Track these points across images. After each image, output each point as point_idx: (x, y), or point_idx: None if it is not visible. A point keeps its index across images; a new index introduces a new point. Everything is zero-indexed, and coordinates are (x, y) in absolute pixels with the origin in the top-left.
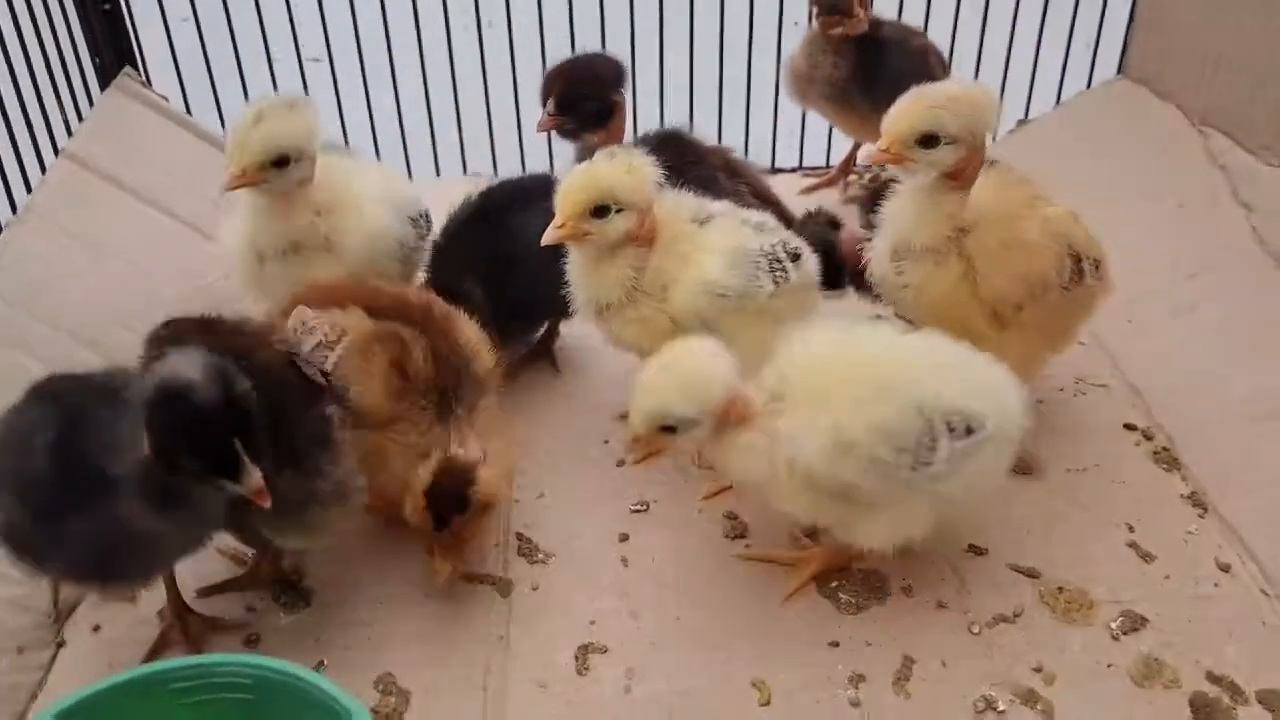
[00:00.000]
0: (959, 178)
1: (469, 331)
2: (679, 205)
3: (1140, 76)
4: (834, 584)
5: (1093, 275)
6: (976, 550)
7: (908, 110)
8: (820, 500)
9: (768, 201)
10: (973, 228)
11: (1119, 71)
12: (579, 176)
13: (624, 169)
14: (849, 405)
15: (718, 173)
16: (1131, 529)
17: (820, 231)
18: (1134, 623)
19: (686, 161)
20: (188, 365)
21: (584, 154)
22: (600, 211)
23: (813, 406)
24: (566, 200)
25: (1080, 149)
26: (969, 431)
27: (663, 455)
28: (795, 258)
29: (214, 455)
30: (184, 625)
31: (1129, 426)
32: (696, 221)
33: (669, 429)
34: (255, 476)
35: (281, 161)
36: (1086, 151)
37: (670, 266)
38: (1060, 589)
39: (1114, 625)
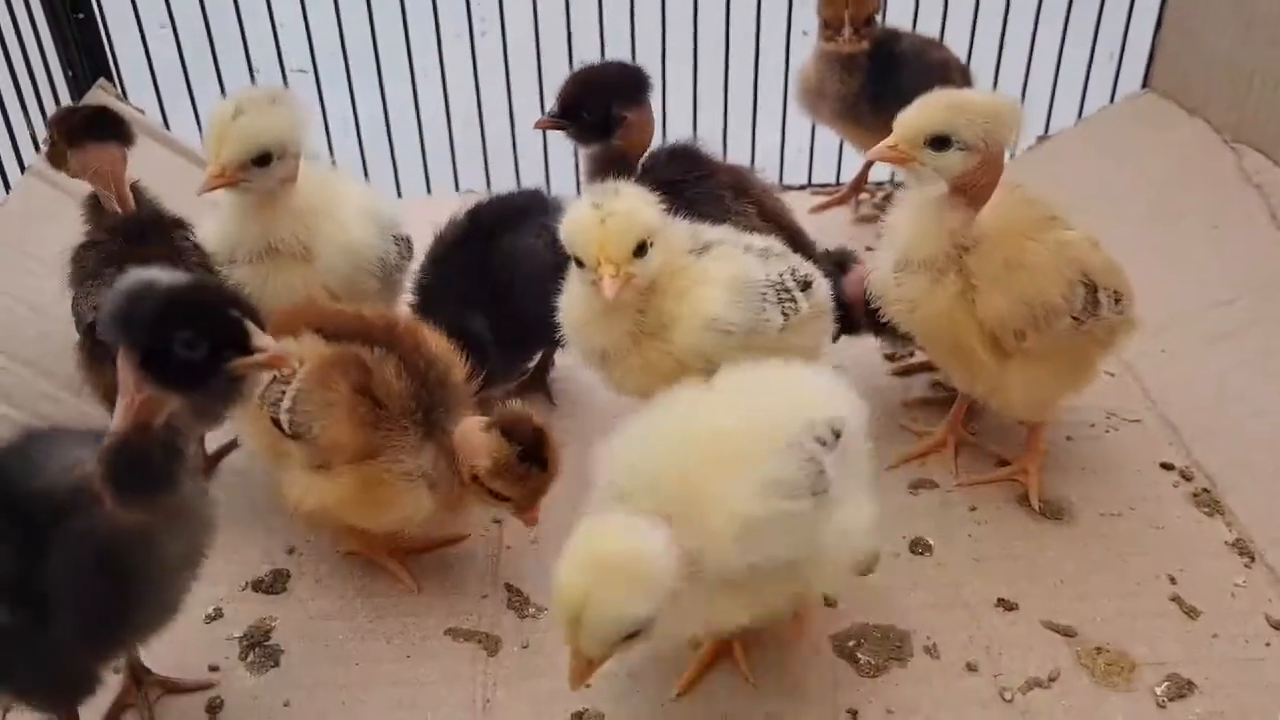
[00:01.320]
0: (969, 191)
1: (438, 342)
2: (673, 236)
3: (1167, 90)
4: (851, 643)
5: (1111, 308)
6: (1006, 605)
7: (922, 109)
8: (758, 590)
9: (779, 225)
10: (976, 244)
11: (1144, 84)
12: (615, 219)
13: (643, 200)
14: (729, 486)
15: (724, 190)
16: (1173, 580)
17: (828, 274)
18: (1181, 688)
19: (692, 177)
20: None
21: (594, 167)
22: (639, 251)
23: (692, 509)
24: (609, 246)
25: (1104, 165)
26: (837, 434)
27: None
28: (805, 286)
29: (217, 325)
30: (142, 691)
31: (1166, 466)
32: (693, 251)
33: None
34: (267, 338)
35: (263, 159)
36: (1110, 168)
37: (669, 304)
38: (1099, 649)
39: (1159, 691)
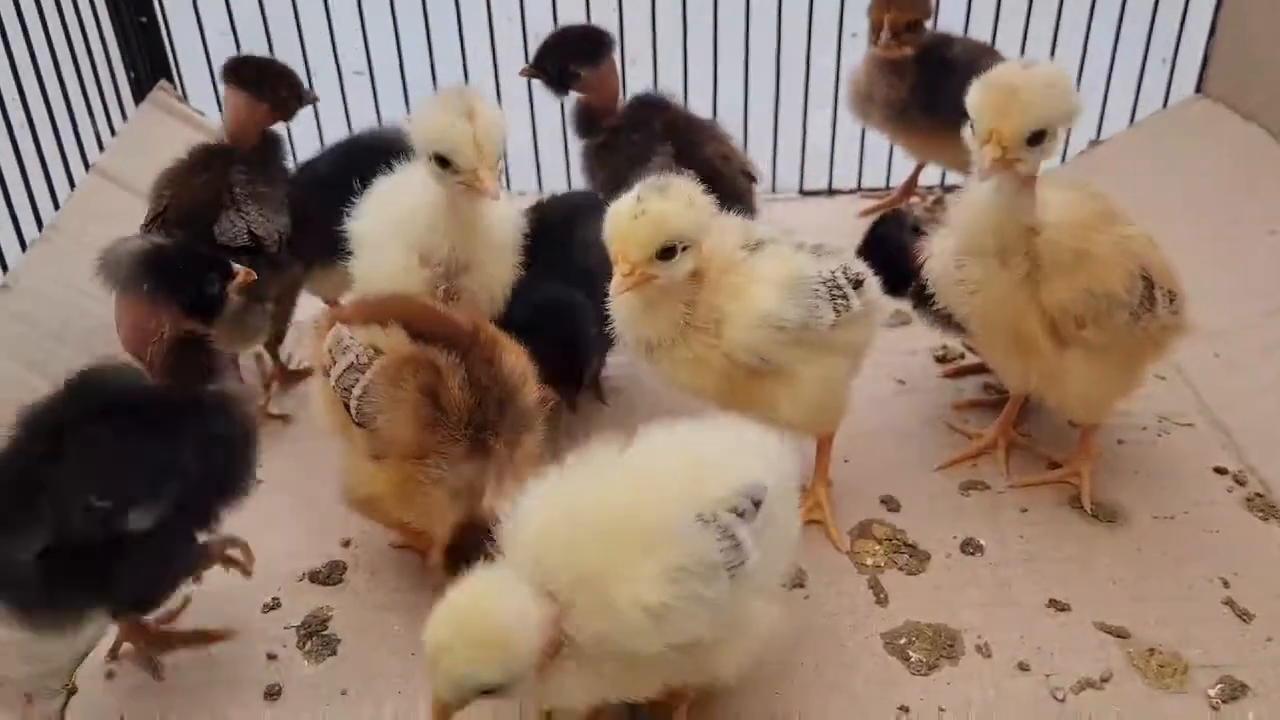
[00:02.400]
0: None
1: (516, 360)
2: (726, 231)
3: (1221, 94)
4: (903, 641)
5: (1166, 308)
6: (1059, 605)
7: (1015, 105)
8: (661, 665)
9: (696, 159)
10: (1044, 229)
11: (1198, 89)
12: (644, 219)
13: (685, 203)
14: (631, 568)
15: (656, 135)
16: (1227, 584)
17: (900, 234)
18: (1234, 690)
19: (638, 128)
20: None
21: (575, 115)
22: (667, 253)
23: (594, 590)
24: (630, 244)
25: (1156, 171)
26: (757, 504)
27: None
28: (858, 284)
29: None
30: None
31: (1219, 470)
32: (745, 248)
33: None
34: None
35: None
36: (1163, 173)
37: (721, 300)
38: (1152, 651)
39: (1212, 693)
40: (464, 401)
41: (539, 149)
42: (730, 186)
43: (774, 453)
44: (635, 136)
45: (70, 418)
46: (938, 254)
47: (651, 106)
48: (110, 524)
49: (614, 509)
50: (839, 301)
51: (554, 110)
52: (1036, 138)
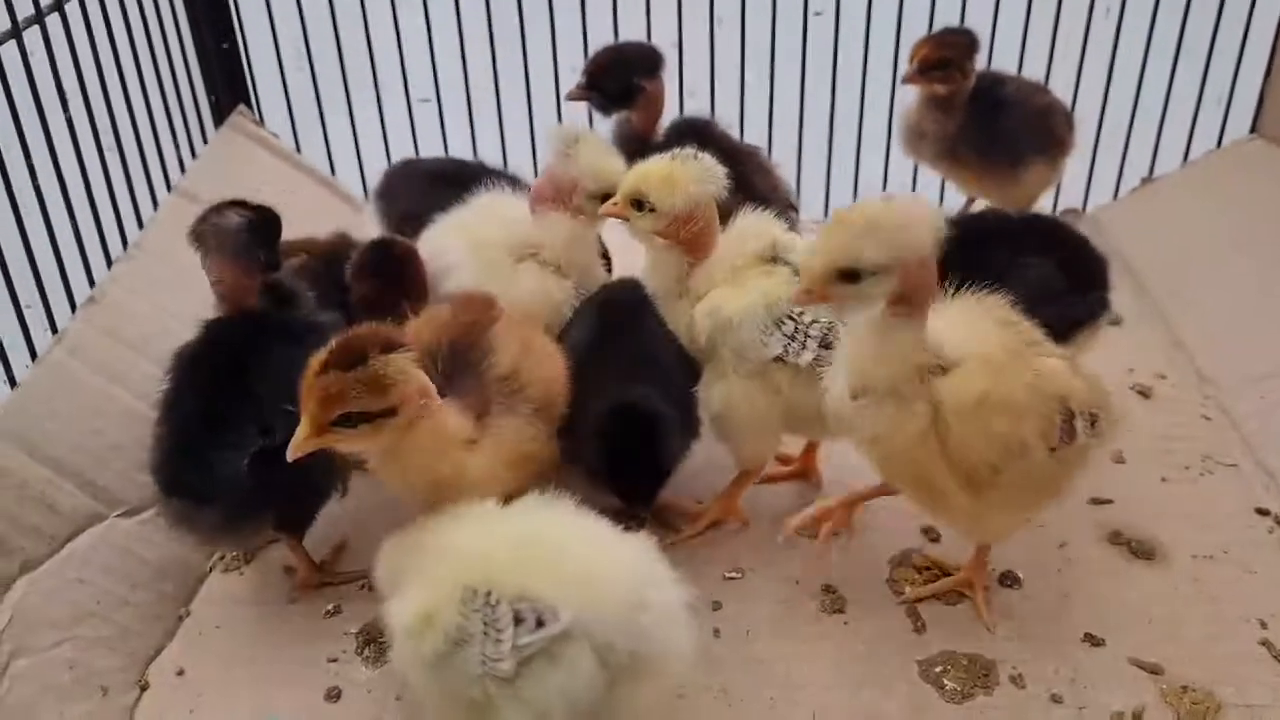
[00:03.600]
0: (907, 304)
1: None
2: (748, 237)
3: (1276, 135)
4: (938, 669)
5: (1087, 432)
6: (1094, 640)
7: (823, 243)
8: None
9: (747, 190)
10: (949, 370)
11: (1253, 130)
12: (632, 171)
13: (663, 173)
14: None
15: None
16: (1264, 625)
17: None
18: None
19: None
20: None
21: (619, 137)
22: (637, 205)
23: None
24: (621, 186)
25: (1208, 210)
26: (539, 624)
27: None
28: (825, 345)
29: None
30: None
31: (1261, 511)
32: (764, 259)
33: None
34: None
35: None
36: (1214, 213)
37: (715, 280)
38: (1185, 688)
39: None
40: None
41: None
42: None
43: (616, 603)
44: None
45: (247, 347)
46: (834, 394)
47: (694, 130)
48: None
49: (440, 541)
50: (791, 345)
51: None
52: (851, 275)
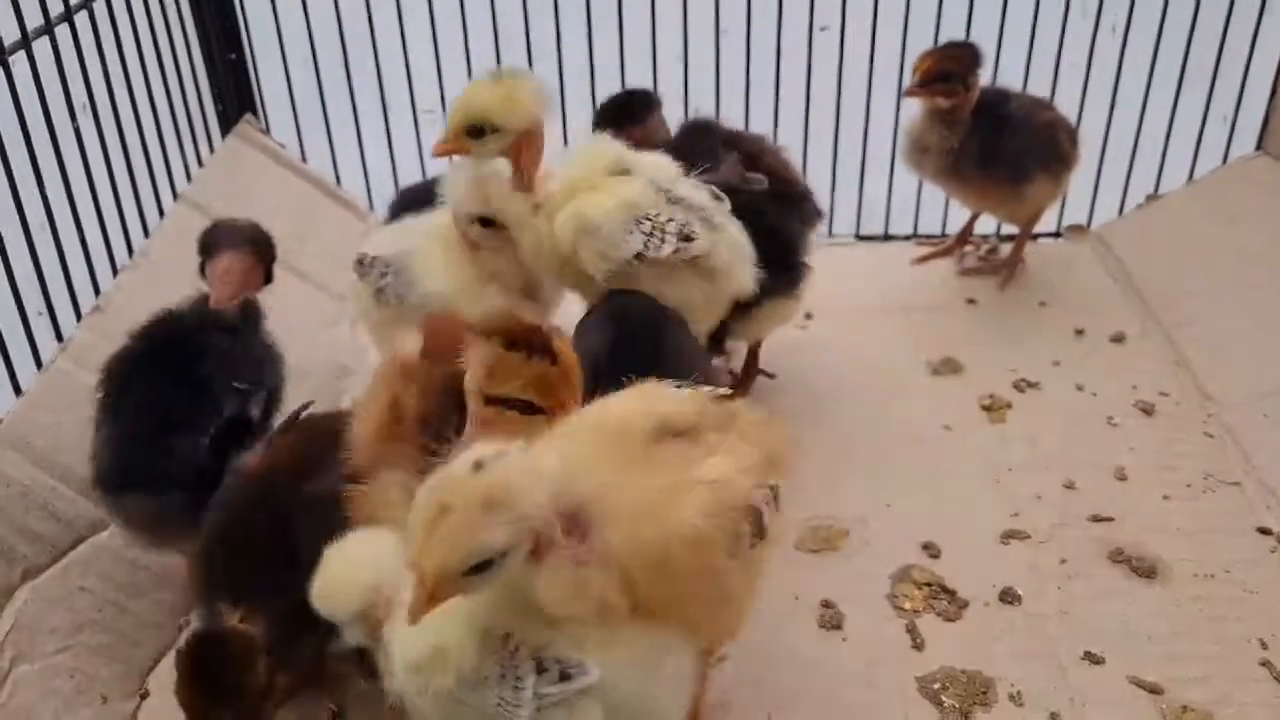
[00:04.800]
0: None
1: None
2: (596, 155)
3: None
4: (936, 685)
5: (771, 508)
6: (1093, 658)
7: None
8: None
9: (760, 167)
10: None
11: (1258, 147)
12: (461, 100)
13: (501, 93)
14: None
15: (718, 145)
16: (1265, 645)
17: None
18: None
19: (700, 139)
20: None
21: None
22: (475, 132)
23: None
24: (451, 119)
25: (1212, 228)
26: (564, 677)
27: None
28: (685, 238)
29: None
30: None
31: (1263, 530)
32: (612, 173)
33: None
34: None
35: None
36: (1220, 230)
37: (564, 198)
38: (1185, 708)
39: None
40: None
41: None
42: (797, 189)
43: (643, 661)
44: (700, 147)
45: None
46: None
47: (704, 125)
48: (245, 406)
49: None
50: (651, 241)
51: None
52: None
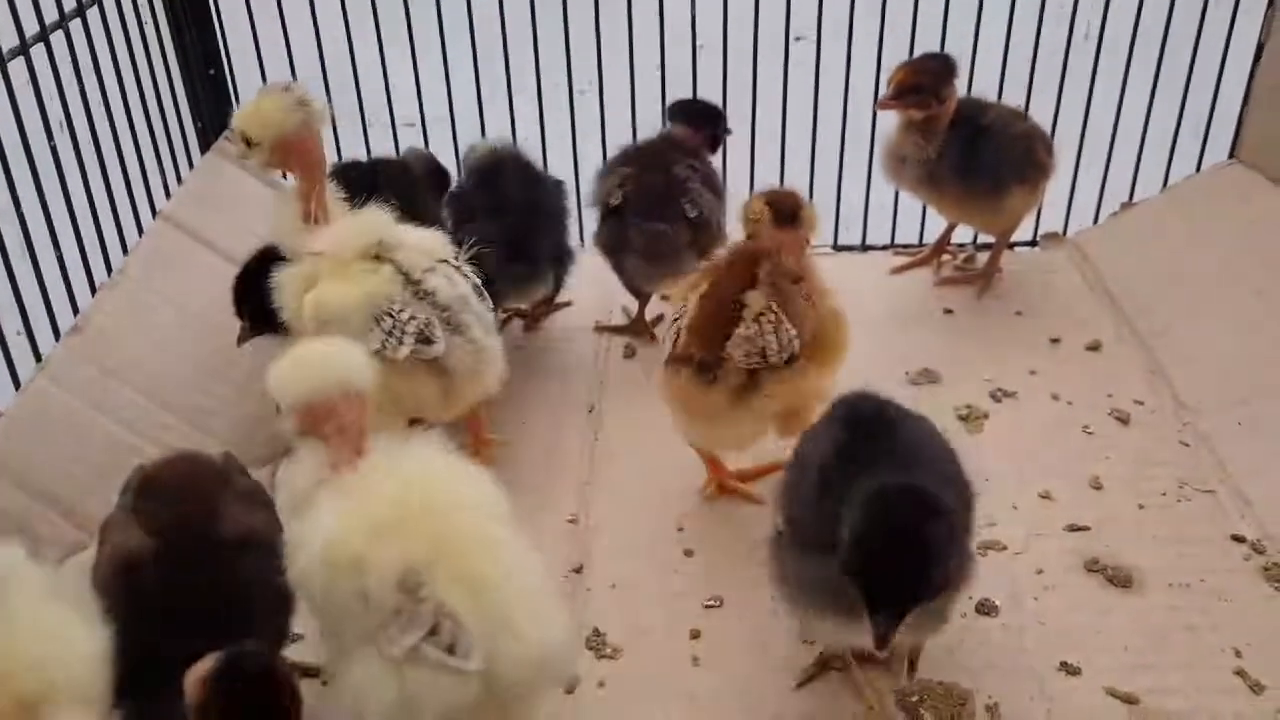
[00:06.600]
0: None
1: None
2: (360, 233)
3: (1255, 162)
4: (914, 698)
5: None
6: (1069, 669)
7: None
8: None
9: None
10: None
11: (1231, 155)
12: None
13: (251, 107)
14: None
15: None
16: (1239, 654)
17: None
18: None
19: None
20: None
21: None
22: (247, 142)
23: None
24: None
25: (1187, 235)
26: (449, 650)
27: None
28: (425, 340)
29: None
30: None
31: (1237, 538)
32: (368, 256)
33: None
34: None
35: None
36: (1194, 238)
37: (326, 268)
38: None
39: None
40: None
41: None
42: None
43: (539, 653)
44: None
45: None
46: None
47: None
48: None
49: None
50: (389, 340)
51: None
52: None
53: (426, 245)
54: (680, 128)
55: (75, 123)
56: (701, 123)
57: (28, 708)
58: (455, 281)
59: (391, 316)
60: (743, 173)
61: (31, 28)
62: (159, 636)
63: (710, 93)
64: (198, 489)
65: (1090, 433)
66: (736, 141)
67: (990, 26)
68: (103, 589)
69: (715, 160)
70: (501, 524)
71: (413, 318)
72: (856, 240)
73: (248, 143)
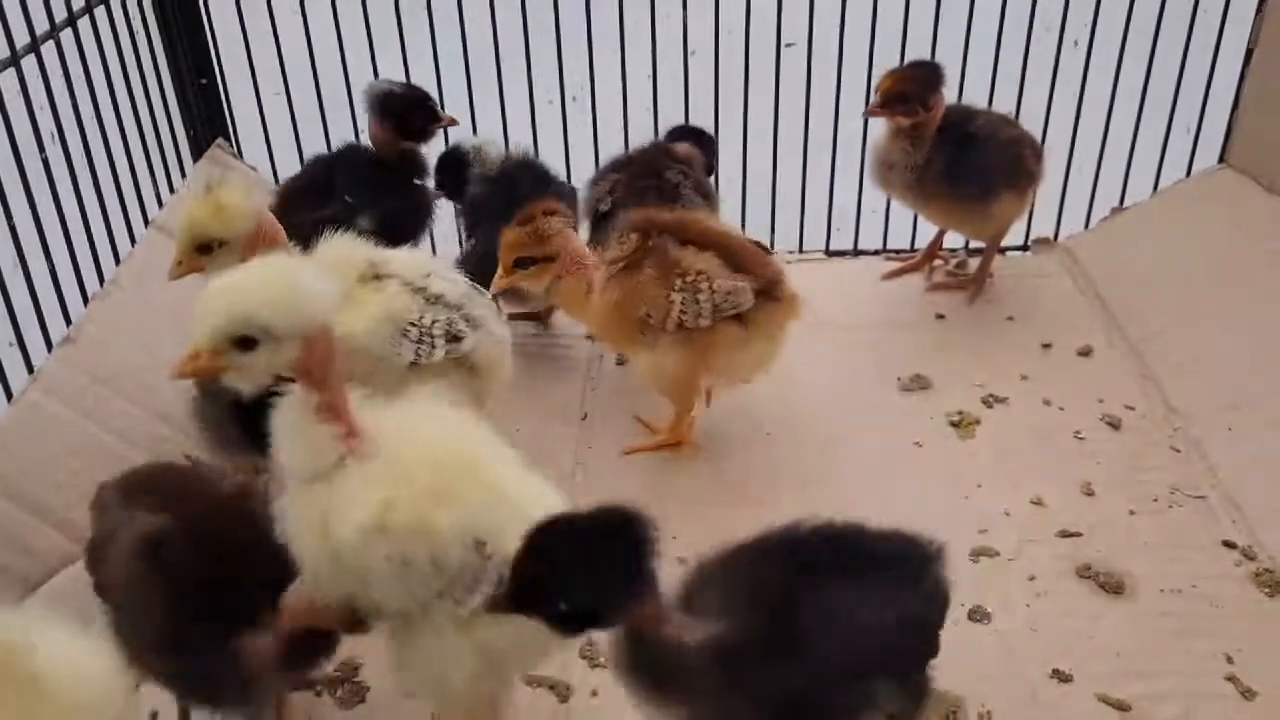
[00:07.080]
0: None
1: None
2: (347, 263)
3: (1244, 166)
4: None
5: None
6: (1062, 676)
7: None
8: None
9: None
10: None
11: (1221, 160)
12: (181, 226)
13: (210, 207)
14: (421, 489)
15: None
16: (1230, 660)
17: None
18: None
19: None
20: None
21: None
22: (204, 249)
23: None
24: (178, 244)
25: (1178, 239)
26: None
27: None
28: (454, 339)
29: None
30: None
31: (1228, 544)
32: (365, 279)
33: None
34: None
35: None
36: (1184, 242)
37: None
38: None
39: None
40: None
41: None
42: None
43: None
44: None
45: None
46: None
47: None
48: None
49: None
50: (422, 348)
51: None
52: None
53: (411, 260)
54: (686, 146)
55: (67, 132)
56: (706, 147)
57: None
58: (455, 280)
59: (415, 326)
60: (735, 179)
61: (22, 38)
62: (200, 603)
63: (702, 98)
64: (181, 473)
65: (1082, 438)
66: (728, 148)
67: (980, 31)
68: (127, 578)
69: None
70: (528, 471)
71: (435, 321)
72: (848, 245)
73: (208, 248)
